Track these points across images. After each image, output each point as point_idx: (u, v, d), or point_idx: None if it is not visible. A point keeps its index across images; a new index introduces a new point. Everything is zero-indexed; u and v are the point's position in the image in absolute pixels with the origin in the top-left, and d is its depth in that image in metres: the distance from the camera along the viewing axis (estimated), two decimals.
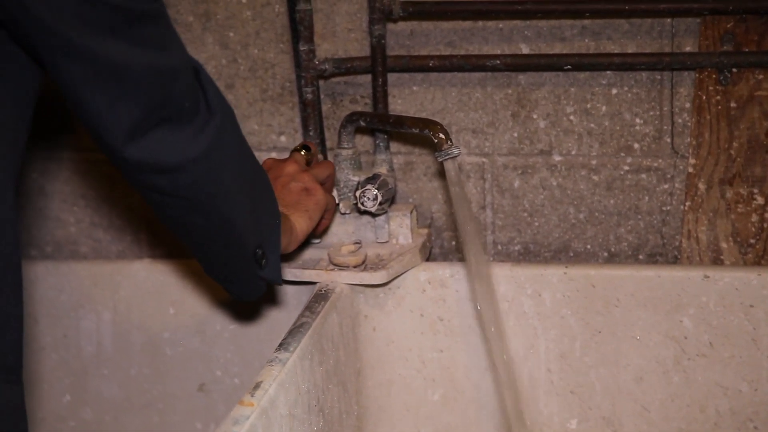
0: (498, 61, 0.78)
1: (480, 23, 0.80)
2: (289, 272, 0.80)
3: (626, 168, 0.79)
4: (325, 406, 0.74)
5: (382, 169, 0.81)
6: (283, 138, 0.84)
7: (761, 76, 0.76)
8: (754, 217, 0.78)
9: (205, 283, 0.84)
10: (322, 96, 0.81)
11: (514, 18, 0.78)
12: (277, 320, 0.80)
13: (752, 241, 0.77)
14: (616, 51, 0.79)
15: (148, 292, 0.86)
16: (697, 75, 0.77)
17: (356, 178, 0.79)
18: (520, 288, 0.82)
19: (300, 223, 0.74)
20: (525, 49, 0.78)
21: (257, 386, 0.57)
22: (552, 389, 0.83)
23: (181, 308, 0.86)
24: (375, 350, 0.83)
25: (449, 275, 0.83)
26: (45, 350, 0.88)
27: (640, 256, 0.82)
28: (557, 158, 0.80)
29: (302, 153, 0.80)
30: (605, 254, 0.83)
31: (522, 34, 0.78)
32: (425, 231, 0.84)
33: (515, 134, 0.80)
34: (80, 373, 0.89)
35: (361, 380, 0.84)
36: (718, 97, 0.77)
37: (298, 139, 0.84)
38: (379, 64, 0.79)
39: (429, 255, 0.83)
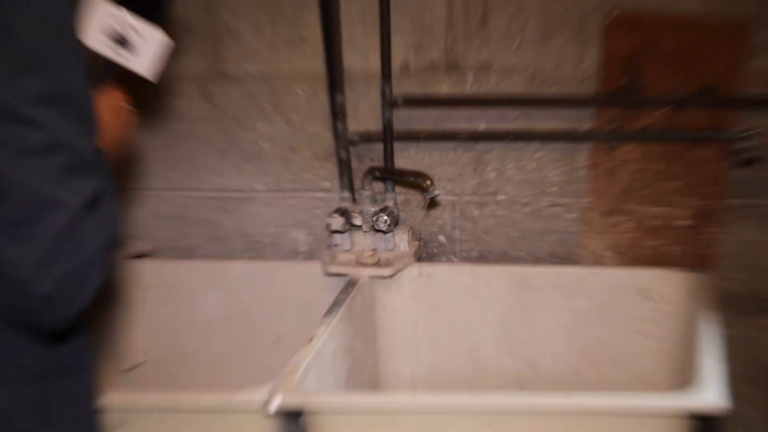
0: (465, 135, 1.13)
1: (453, 110, 1.13)
2: (332, 269, 1.17)
3: (546, 203, 1.15)
4: (354, 353, 1.14)
5: (390, 203, 1.18)
6: (326, 183, 1.20)
7: (633, 146, 1.10)
8: (626, 236, 1.14)
9: (279, 282, 1.23)
10: (351, 156, 1.16)
11: (475, 107, 1.12)
12: (323, 299, 1.14)
13: (624, 251, 1.13)
14: (541, 128, 1.12)
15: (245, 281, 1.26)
16: (592, 144, 1.12)
17: (373, 209, 1.15)
18: (476, 279, 1.19)
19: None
20: (482, 127, 1.12)
21: (312, 338, 0.94)
22: (494, 342, 1.20)
23: (264, 293, 1.25)
24: (384, 318, 1.22)
25: (432, 271, 1.21)
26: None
27: (554, 260, 1.18)
28: (501, 197, 1.16)
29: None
30: (531, 258, 1.19)
31: (480, 117, 1.12)
32: (417, 243, 1.21)
33: (475, 181, 1.16)
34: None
35: (376, 337, 1.24)
36: (605, 159, 1.12)
37: (337, 185, 1.18)
38: (388, 136, 1.14)
39: (419, 258, 1.20)
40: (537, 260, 1.18)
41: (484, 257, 1.21)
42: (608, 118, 1.10)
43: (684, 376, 1.03)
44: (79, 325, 0.80)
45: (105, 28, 0.81)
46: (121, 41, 0.80)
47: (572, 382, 1.21)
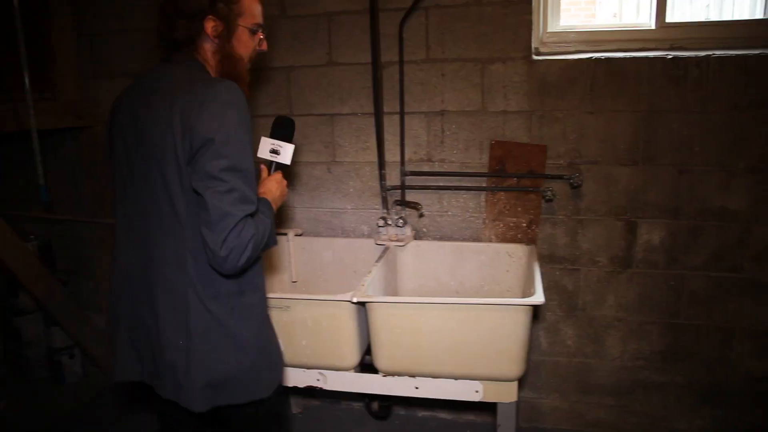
0: (434, 187, 2.61)
1: (429, 178, 2.57)
2: (378, 242, 2.59)
3: (467, 215, 2.61)
4: (387, 278, 2.51)
5: (402, 215, 2.62)
6: (377, 206, 2.68)
7: (502, 193, 2.58)
8: (500, 229, 2.59)
9: (356, 247, 2.71)
10: (387, 195, 2.64)
11: (438, 176, 2.59)
12: (374, 255, 2.62)
13: (499, 236, 2.59)
14: (466, 185, 2.55)
15: (343, 247, 2.72)
16: (486, 192, 2.59)
17: (396, 217, 2.61)
18: (439, 247, 2.59)
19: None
20: (441, 184, 2.60)
21: (370, 271, 2.36)
22: (446, 274, 2.56)
23: (349, 252, 2.72)
24: (400, 263, 2.62)
25: (420, 244, 2.61)
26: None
27: (471, 240, 2.60)
28: (449, 213, 2.62)
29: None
30: (461, 238, 2.59)
31: (441, 180, 2.59)
32: (413, 232, 2.63)
33: (437, 206, 2.62)
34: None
35: (396, 272, 2.63)
36: (491, 198, 2.56)
37: (381, 207, 2.65)
38: (404, 187, 2.62)
39: (415, 237, 2.65)
40: (464, 239, 2.63)
41: (443, 238, 2.64)
42: (491, 182, 2.59)
43: (524, 291, 2.46)
44: (253, 267, 1.47)
45: (267, 147, 1.63)
46: (275, 151, 1.62)
47: (480, 293, 2.54)
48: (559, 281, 2.54)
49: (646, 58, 2.29)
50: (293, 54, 2.61)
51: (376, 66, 2.49)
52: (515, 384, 2.10)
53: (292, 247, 2.71)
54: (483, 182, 2.54)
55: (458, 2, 2.40)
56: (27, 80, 2.37)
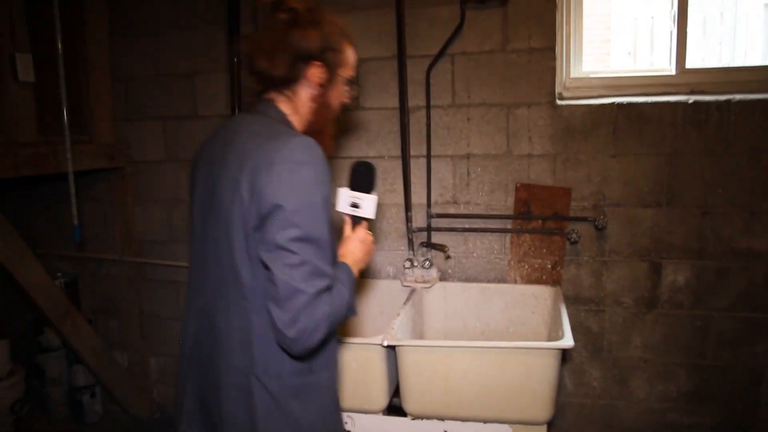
0: (460, 229, 2.64)
1: (455, 219, 2.60)
2: (405, 284, 2.58)
3: (492, 256, 2.63)
4: (413, 330, 2.46)
5: (429, 257, 2.64)
6: (403, 247, 2.69)
7: (527, 235, 2.59)
8: (526, 271, 2.60)
9: (383, 288, 2.71)
10: (413, 237, 2.65)
11: (464, 218, 2.60)
12: (401, 297, 2.63)
13: (525, 277, 2.60)
14: (491, 227, 2.58)
15: (373, 287, 2.74)
16: (511, 234, 2.61)
17: (422, 258, 2.63)
18: (464, 289, 2.59)
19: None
20: (467, 226, 2.63)
21: (398, 314, 2.36)
22: (472, 316, 2.56)
23: (377, 293, 2.73)
24: (426, 306, 2.62)
25: (446, 285, 2.62)
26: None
27: (496, 281, 2.61)
28: (474, 254, 2.65)
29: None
30: (487, 279, 2.60)
31: (466, 222, 2.62)
32: (439, 273, 2.65)
33: (463, 248, 2.64)
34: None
35: (423, 314, 2.63)
36: (517, 239, 2.59)
37: (407, 248, 2.67)
38: (430, 229, 2.64)
39: (441, 279, 2.67)
40: (489, 281, 2.65)
41: (468, 279, 2.66)
42: (517, 224, 2.61)
43: (550, 333, 2.46)
44: (327, 342, 1.30)
45: (347, 201, 1.46)
46: (355, 205, 1.46)
47: (505, 334, 2.53)
48: (584, 322, 2.53)
49: (668, 102, 2.33)
50: None
51: (404, 110, 2.54)
52: (545, 428, 2.07)
53: None
54: (508, 224, 2.56)
55: (483, 49, 2.46)
56: (66, 123, 2.42)
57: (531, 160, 2.49)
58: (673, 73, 2.39)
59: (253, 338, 1.24)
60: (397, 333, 2.09)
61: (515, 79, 2.45)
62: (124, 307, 3.07)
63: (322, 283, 1.18)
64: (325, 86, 1.36)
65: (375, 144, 2.64)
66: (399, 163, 2.61)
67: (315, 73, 1.34)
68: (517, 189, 2.52)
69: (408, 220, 2.60)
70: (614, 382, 2.54)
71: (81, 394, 3.15)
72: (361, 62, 2.55)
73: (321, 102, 1.37)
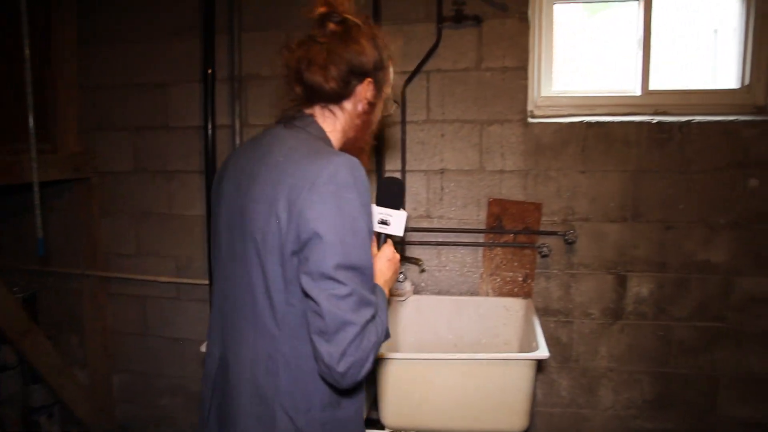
0: (434, 243, 2.68)
1: (428, 233, 2.66)
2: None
3: (465, 270, 2.67)
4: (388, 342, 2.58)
5: (403, 270, 2.68)
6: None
7: (498, 249, 2.65)
8: (497, 283, 2.65)
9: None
10: None
11: (437, 232, 2.65)
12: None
13: (496, 290, 2.65)
14: (463, 241, 2.64)
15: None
16: (484, 248, 2.66)
17: (401, 276, 2.66)
18: (437, 301, 2.62)
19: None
20: (440, 239, 2.67)
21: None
22: (445, 328, 2.58)
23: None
24: (400, 323, 2.63)
25: (420, 298, 2.64)
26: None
27: (468, 293, 2.65)
28: (447, 267, 2.69)
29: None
30: (459, 292, 2.65)
31: (439, 236, 2.67)
32: (413, 286, 2.69)
33: (436, 261, 2.68)
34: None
35: (397, 327, 2.69)
36: (489, 253, 2.66)
37: None
38: (404, 243, 2.68)
39: (414, 292, 2.70)
40: (462, 294, 2.68)
41: (441, 292, 2.68)
42: (489, 238, 2.66)
43: (522, 344, 2.51)
44: None
45: (375, 218, 1.35)
46: (385, 222, 1.38)
47: (478, 346, 2.56)
48: (554, 333, 2.59)
49: (633, 122, 2.43)
50: None
51: (379, 125, 2.55)
52: None
53: None
54: (480, 238, 2.60)
55: (458, 67, 2.51)
56: (33, 133, 2.32)
57: (503, 176, 2.55)
58: (638, 94, 2.50)
59: (280, 367, 1.17)
60: None
61: (489, 97, 2.51)
62: (86, 322, 2.96)
63: (369, 313, 1.11)
64: (372, 103, 1.31)
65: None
66: (373, 178, 2.62)
67: (366, 89, 1.28)
68: (489, 204, 2.58)
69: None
70: (582, 391, 2.61)
71: (38, 415, 3.00)
72: None
73: (366, 119, 1.31)
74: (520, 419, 2.08)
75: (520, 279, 2.59)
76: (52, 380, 2.76)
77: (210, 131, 2.64)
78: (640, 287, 2.51)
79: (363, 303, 1.09)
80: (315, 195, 1.09)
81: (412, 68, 2.52)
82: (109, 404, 3.02)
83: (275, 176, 1.15)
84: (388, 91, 1.36)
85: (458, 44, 2.50)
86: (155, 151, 2.80)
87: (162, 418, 2.97)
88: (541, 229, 2.54)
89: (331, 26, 1.25)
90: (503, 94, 2.50)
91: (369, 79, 1.28)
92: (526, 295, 2.58)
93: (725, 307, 2.45)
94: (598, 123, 2.45)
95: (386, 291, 1.31)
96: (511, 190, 2.55)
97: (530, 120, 2.51)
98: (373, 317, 1.12)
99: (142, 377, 2.95)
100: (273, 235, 1.12)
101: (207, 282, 2.72)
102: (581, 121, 2.47)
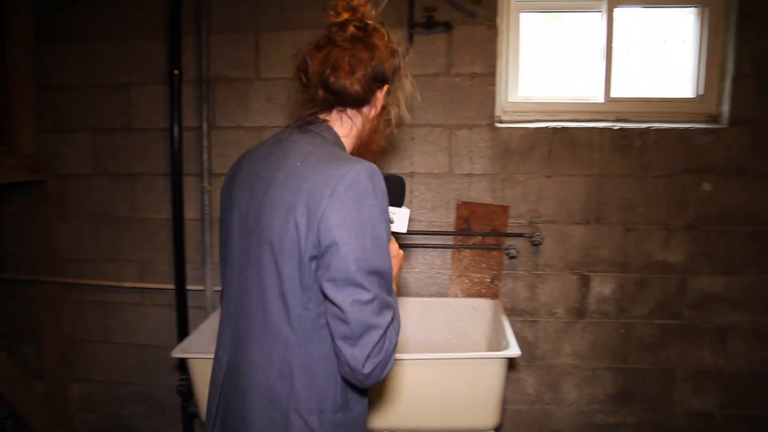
0: (409, 242, 2.70)
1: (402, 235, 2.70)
2: None
3: (434, 272, 2.71)
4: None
5: None
6: None
7: (467, 251, 2.69)
8: (465, 285, 2.70)
9: None
10: None
11: (412, 235, 2.70)
12: None
13: (465, 291, 2.70)
14: (432, 243, 2.69)
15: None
16: (453, 250, 2.71)
17: None
18: (408, 302, 2.68)
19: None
20: (422, 240, 2.70)
21: None
22: (415, 329, 2.60)
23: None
24: None
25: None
26: None
27: (438, 295, 2.69)
28: (416, 269, 2.72)
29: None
30: (429, 294, 2.68)
31: (413, 239, 2.70)
32: None
33: (406, 262, 2.72)
34: None
35: None
36: (458, 255, 2.70)
37: None
38: None
39: None
40: (431, 295, 2.72)
41: (410, 294, 2.69)
42: (458, 240, 2.70)
43: (491, 344, 2.55)
44: None
45: None
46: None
47: (447, 346, 2.59)
48: (520, 333, 2.65)
49: (597, 128, 2.51)
50: (265, 115, 2.63)
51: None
52: None
53: None
54: (449, 240, 2.64)
55: (428, 72, 2.54)
56: None
57: (472, 179, 2.59)
58: (601, 101, 2.59)
59: (294, 372, 1.17)
60: None
61: (458, 102, 2.55)
62: (42, 331, 2.83)
63: (389, 315, 1.13)
64: (385, 110, 1.32)
65: None
66: None
67: (382, 94, 1.29)
68: (458, 206, 2.61)
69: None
70: (547, 388, 2.68)
71: None
72: None
73: (378, 125, 1.31)
74: (492, 416, 2.11)
75: (488, 280, 2.64)
76: (5, 391, 2.63)
77: (176, 133, 2.58)
78: (602, 287, 2.60)
79: (384, 306, 1.11)
80: (336, 202, 1.09)
81: None
82: (67, 415, 2.91)
83: (293, 182, 1.15)
84: (400, 97, 1.36)
85: (429, 50, 2.53)
86: (117, 153, 2.72)
87: (125, 427, 2.88)
88: (509, 231, 2.60)
89: (352, 30, 1.24)
90: (472, 99, 2.55)
91: (387, 86, 1.29)
92: (494, 295, 2.63)
93: (681, 304, 2.57)
94: (563, 128, 2.53)
95: (394, 287, 1.31)
96: (480, 193, 2.59)
97: (498, 125, 2.56)
98: (393, 319, 1.15)
99: (104, 386, 2.85)
100: (291, 241, 1.13)
101: (172, 287, 2.66)
102: (547, 127, 2.53)
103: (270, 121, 2.62)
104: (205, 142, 2.62)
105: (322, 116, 1.28)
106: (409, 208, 1.43)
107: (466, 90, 2.54)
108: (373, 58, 1.23)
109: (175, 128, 2.57)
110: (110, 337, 2.80)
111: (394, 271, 1.32)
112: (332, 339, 1.13)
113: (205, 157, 2.62)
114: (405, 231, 1.39)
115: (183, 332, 2.64)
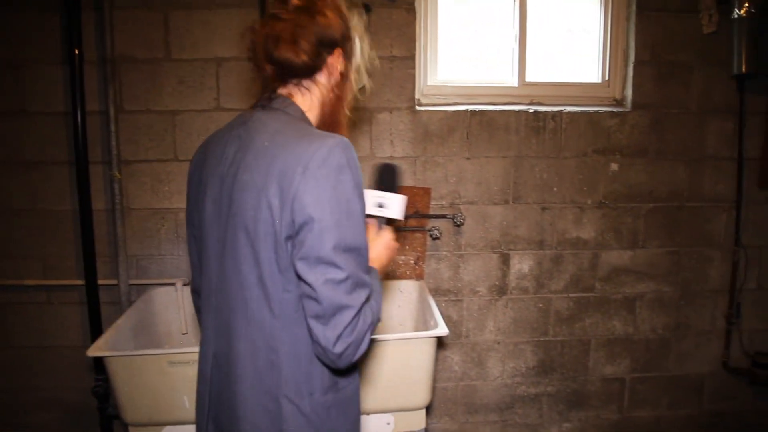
0: None
1: None
2: None
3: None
4: None
5: None
6: None
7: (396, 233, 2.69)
8: (402, 269, 2.70)
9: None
10: None
11: None
12: None
13: (389, 273, 2.70)
14: None
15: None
16: None
17: None
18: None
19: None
20: None
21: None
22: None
23: None
24: None
25: None
26: None
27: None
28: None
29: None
30: None
31: None
32: None
33: None
34: None
35: None
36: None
37: None
38: None
39: None
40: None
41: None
42: None
43: (417, 324, 2.56)
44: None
45: (373, 201, 1.34)
46: (381, 205, 1.35)
47: (375, 329, 2.66)
48: (445, 312, 2.69)
49: (512, 111, 2.57)
50: (178, 98, 2.48)
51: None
52: (423, 411, 2.17)
53: (180, 297, 2.52)
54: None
55: None
56: None
57: (393, 162, 2.57)
58: (516, 85, 2.65)
59: (281, 357, 1.12)
60: None
61: (378, 85, 2.52)
62: None
63: (364, 295, 1.09)
64: (344, 75, 1.25)
65: None
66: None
67: (337, 60, 1.22)
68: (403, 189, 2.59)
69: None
70: (473, 364, 2.74)
71: None
72: (221, 62, 2.45)
73: (340, 93, 1.25)
74: (424, 395, 2.13)
75: (412, 262, 2.64)
76: None
77: (79, 118, 2.38)
78: (521, 264, 2.67)
79: (359, 285, 1.08)
80: (309, 179, 1.05)
81: None
82: None
83: (262, 162, 1.09)
84: (357, 62, 1.29)
85: None
86: (9, 139, 2.47)
87: None
88: (431, 212, 2.61)
89: (295, 1, 1.20)
90: (392, 83, 2.53)
91: (339, 50, 1.22)
92: (419, 277, 2.64)
93: (594, 278, 2.70)
94: (481, 111, 2.56)
95: (381, 275, 1.28)
96: (402, 176, 2.59)
97: (418, 108, 2.56)
98: (368, 299, 1.10)
99: (7, 394, 2.60)
100: (265, 223, 1.08)
101: (82, 283, 2.46)
102: (465, 110, 2.56)
103: (184, 105, 2.48)
104: (112, 127, 2.43)
105: (282, 92, 1.23)
106: None
107: (386, 73, 2.52)
108: (316, 24, 1.18)
109: (78, 113, 2.37)
110: (12, 340, 2.56)
111: (384, 260, 1.31)
112: (305, 317, 1.10)
113: (114, 143, 2.44)
114: (401, 218, 1.37)
115: (96, 330, 2.45)
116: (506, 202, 2.63)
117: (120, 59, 2.45)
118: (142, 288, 2.50)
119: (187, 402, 1.94)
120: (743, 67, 2.51)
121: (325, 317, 1.05)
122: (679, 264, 2.74)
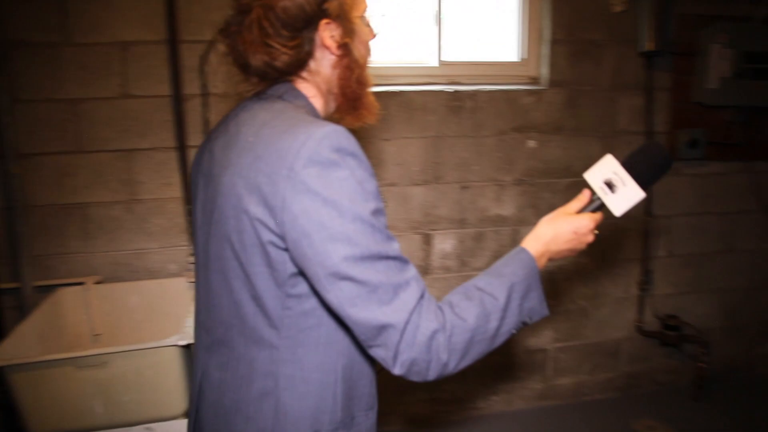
0: None
1: None
2: (192, 279, 2.47)
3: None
4: None
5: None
6: (182, 247, 2.53)
7: None
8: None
9: (161, 291, 2.49)
10: None
11: None
12: (188, 298, 2.46)
13: None
14: None
15: (142, 294, 2.47)
16: None
17: None
18: None
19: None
20: None
21: (187, 323, 2.26)
22: None
23: (153, 299, 2.49)
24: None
25: None
26: None
27: None
28: None
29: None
30: None
31: None
32: None
33: None
34: None
35: None
36: None
37: (187, 250, 2.51)
38: None
39: None
40: None
41: None
42: None
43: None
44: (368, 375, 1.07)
45: (604, 175, 1.02)
46: (610, 185, 1.03)
47: None
48: None
49: (431, 91, 2.53)
50: (80, 85, 2.30)
51: (178, 99, 2.33)
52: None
53: (90, 297, 2.38)
54: None
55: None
56: None
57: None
58: (435, 65, 2.61)
59: (279, 383, 0.95)
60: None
61: None
62: None
63: (410, 297, 0.87)
64: (344, 44, 1.03)
65: (147, 135, 2.38)
66: (174, 155, 2.40)
67: (327, 32, 1.01)
68: None
69: (188, 213, 2.42)
70: None
71: None
72: (126, 46, 2.30)
73: (348, 62, 1.04)
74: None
75: None
76: None
77: None
78: (444, 244, 2.67)
79: (397, 289, 0.86)
80: (296, 183, 0.85)
81: (211, 37, 2.32)
82: None
83: (245, 162, 0.91)
84: (361, 10, 1.06)
85: None
86: None
87: None
88: None
89: (243, 7, 1.00)
90: None
91: (324, 21, 1.00)
92: None
93: None
94: (400, 92, 2.51)
95: (543, 261, 1.08)
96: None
97: None
98: (422, 297, 0.89)
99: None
100: (249, 235, 0.90)
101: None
102: (384, 91, 2.51)
103: (87, 93, 2.31)
104: (7, 119, 2.24)
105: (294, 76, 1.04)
106: None
107: None
108: (276, 15, 0.96)
109: None
110: None
111: (563, 245, 1.10)
112: (315, 338, 0.96)
113: (9, 135, 2.25)
114: (618, 215, 1.08)
115: None
116: (427, 182, 2.61)
117: (12, 43, 2.25)
118: (50, 289, 2.35)
119: (97, 407, 1.85)
120: (650, 44, 2.55)
121: (369, 340, 0.87)
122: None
